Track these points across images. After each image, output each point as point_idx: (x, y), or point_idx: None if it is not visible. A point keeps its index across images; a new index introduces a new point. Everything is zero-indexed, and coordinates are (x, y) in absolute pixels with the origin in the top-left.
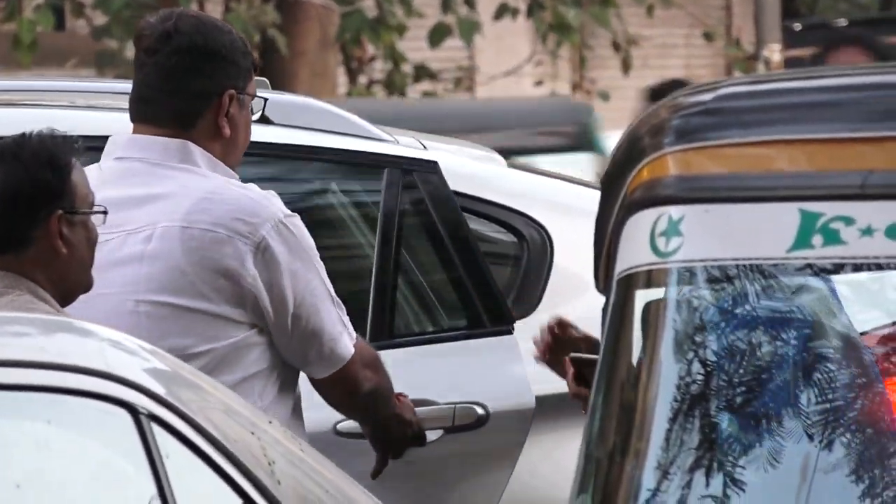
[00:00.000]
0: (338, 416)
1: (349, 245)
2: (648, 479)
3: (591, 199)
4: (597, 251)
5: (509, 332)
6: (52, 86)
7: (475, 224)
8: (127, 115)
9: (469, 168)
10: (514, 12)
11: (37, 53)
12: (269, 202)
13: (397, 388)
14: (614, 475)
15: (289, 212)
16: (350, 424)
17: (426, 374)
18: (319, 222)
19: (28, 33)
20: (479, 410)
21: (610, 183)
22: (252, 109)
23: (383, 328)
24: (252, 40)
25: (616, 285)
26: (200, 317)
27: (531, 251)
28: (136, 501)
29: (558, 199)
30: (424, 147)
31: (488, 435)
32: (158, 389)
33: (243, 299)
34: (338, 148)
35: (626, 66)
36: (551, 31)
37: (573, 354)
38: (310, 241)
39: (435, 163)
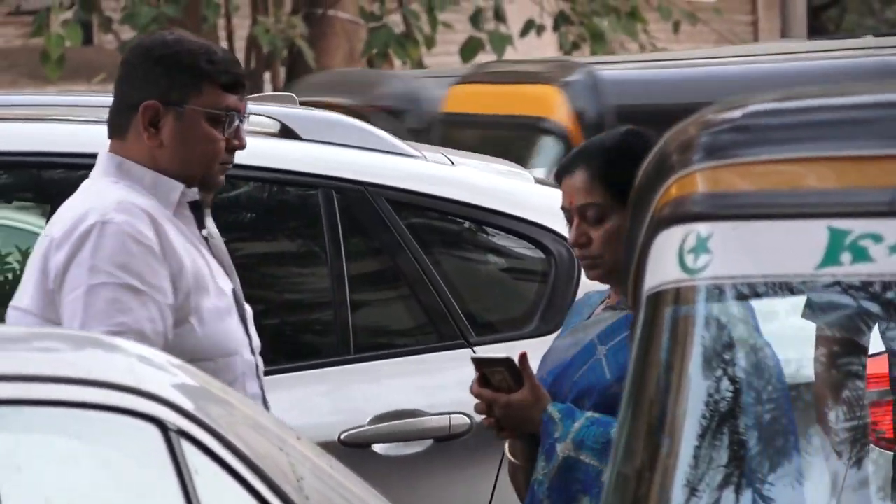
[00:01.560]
0: (343, 426)
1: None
2: (678, 495)
3: None
4: (626, 266)
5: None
6: (78, 101)
7: (503, 240)
8: None
9: (496, 184)
10: (540, 29)
11: (65, 68)
12: (95, 206)
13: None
14: (643, 492)
15: (106, 219)
16: (354, 434)
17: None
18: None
19: (56, 48)
20: (467, 420)
21: (639, 199)
22: (229, 123)
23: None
24: (279, 53)
25: (645, 302)
26: (40, 321)
27: (559, 267)
28: None
29: None
30: (452, 163)
31: (474, 443)
32: (187, 405)
33: (53, 301)
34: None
35: None
36: (584, 42)
37: (475, 356)
38: (108, 252)
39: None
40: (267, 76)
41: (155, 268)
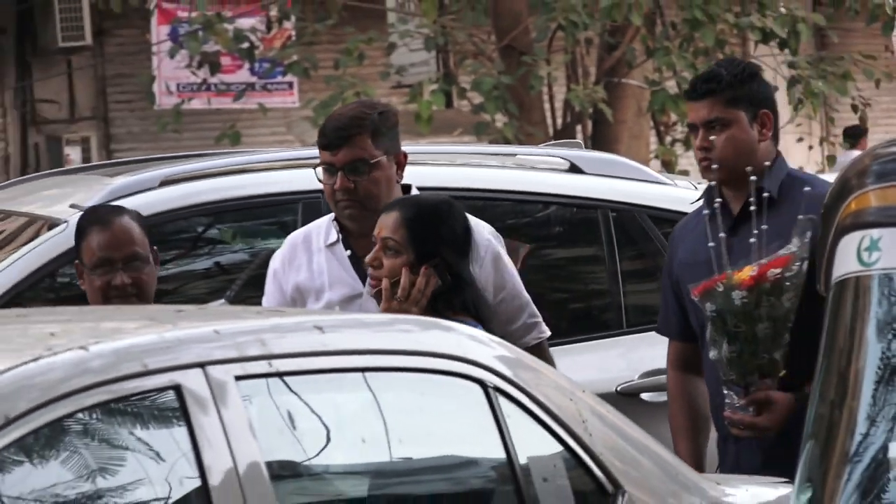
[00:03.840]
0: (619, 381)
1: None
2: (861, 425)
3: None
4: (818, 262)
5: None
6: (444, 150)
7: None
8: (492, 170)
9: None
10: (775, 88)
11: (432, 126)
12: None
13: None
14: (835, 424)
15: None
16: (628, 386)
17: None
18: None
19: (426, 111)
20: None
21: (827, 213)
22: (329, 172)
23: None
24: (587, 111)
25: (833, 288)
26: None
27: None
28: (485, 449)
29: None
30: (696, 188)
31: None
32: (502, 369)
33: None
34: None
35: (862, 124)
36: (806, 99)
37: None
38: None
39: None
40: (578, 128)
41: (269, 285)
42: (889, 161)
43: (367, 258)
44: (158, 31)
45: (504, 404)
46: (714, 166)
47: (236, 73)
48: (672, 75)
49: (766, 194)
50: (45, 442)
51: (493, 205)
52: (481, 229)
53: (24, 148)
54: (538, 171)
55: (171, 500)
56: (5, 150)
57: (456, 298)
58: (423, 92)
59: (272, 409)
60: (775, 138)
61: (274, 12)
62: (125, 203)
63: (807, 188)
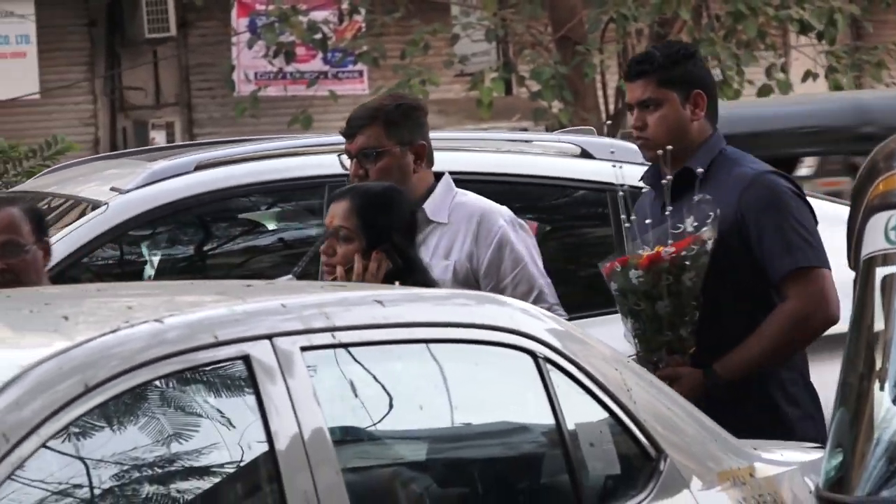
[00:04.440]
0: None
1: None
2: (889, 393)
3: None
4: (849, 241)
5: None
6: (461, 136)
7: None
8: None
9: None
10: (815, 76)
11: (492, 111)
12: None
13: None
14: (864, 392)
15: None
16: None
17: None
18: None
19: (487, 97)
20: None
21: (857, 194)
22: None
23: None
24: None
25: (862, 265)
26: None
27: None
28: (535, 416)
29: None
30: None
31: None
32: (553, 341)
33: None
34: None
35: None
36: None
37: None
38: None
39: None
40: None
41: None
42: None
43: (322, 247)
44: (238, 23)
45: (553, 374)
46: (660, 151)
47: (310, 62)
48: (717, 64)
49: (699, 170)
50: (123, 408)
51: (505, 188)
52: (495, 215)
53: (113, 132)
54: (549, 157)
55: (240, 464)
56: (96, 135)
57: (407, 280)
58: (484, 80)
59: (335, 378)
60: (713, 118)
61: (345, 5)
62: (163, 186)
63: (737, 168)
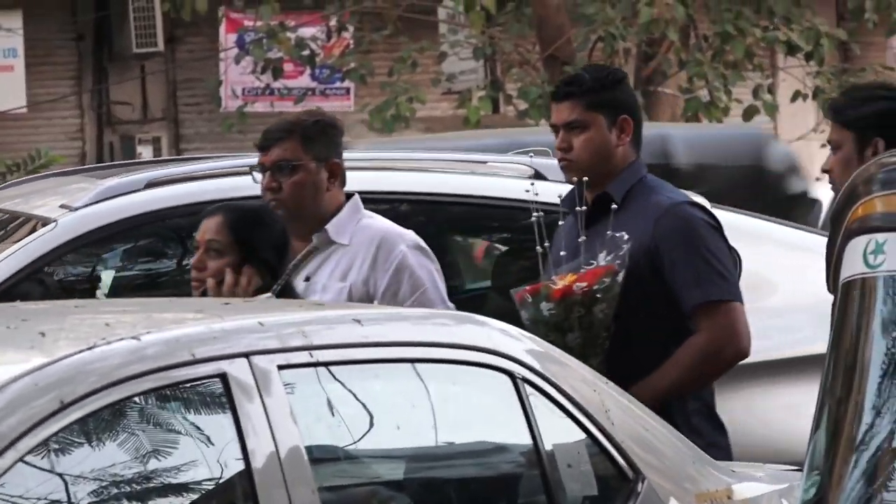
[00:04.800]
0: None
1: None
2: (867, 416)
3: (760, 228)
4: (827, 265)
5: None
6: (417, 156)
7: None
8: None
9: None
10: (804, 97)
11: (479, 129)
12: None
13: None
14: (840, 416)
15: None
16: None
17: None
18: None
19: (474, 115)
20: None
21: (836, 218)
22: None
23: None
24: None
25: (841, 288)
26: None
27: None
28: (513, 437)
29: (742, 227)
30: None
31: None
32: (531, 362)
33: None
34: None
35: None
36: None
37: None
38: None
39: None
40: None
41: None
42: (894, 170)
43: (192, 261)
44: (226, 39)
45: (531, 394)
46: (585, 178)
47: (298, 78)
48: (704, 84)
49: (613, 206)
50: (100, 425)
51: (446, 209)
52: (395, 239)
53: (100, 146)
54: (496, 178)
55: (216, 482)
56: (83, 149)
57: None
58: (471, 98)
59: (313, 397)
60: (636, 144)
61: (333, 22)
62: (113, 203)
63: (654, 196)
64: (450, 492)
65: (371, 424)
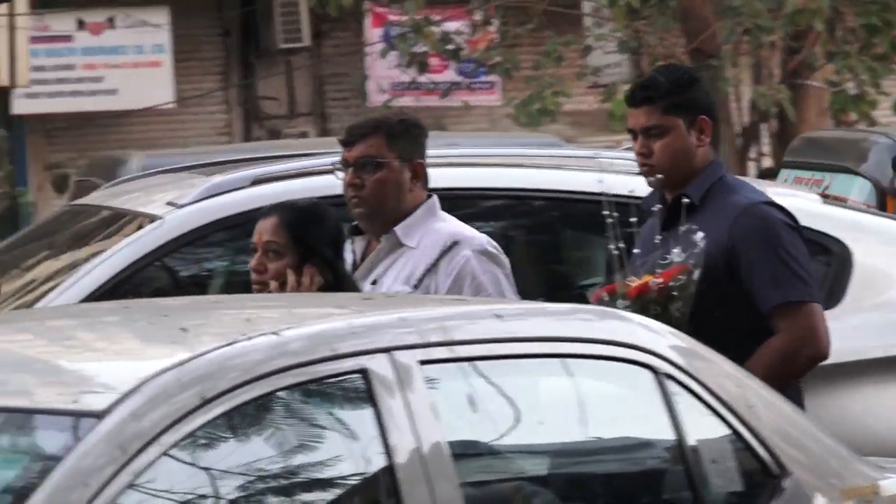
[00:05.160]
0: None
1: None
2: None
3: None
4: None
5: None
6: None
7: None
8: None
9: (806, 206)
10: None
11: (623, 124)
12: None
13: None
14: None
15: None
16: None
17: None
18: None
19: (619, 109)
20: None
21: None
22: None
23: None
24: (771, 111)
25: None
26: None
27: (838, 262)
28: (656, 432)
29: (854, 222)
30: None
31: None
32: (674, 357)
33: None
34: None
35: None
36: None
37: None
38: None
39: None
40: (763, 127)
41: None
42: None
43: (252, 264)
44: (371, 34)
45: (674, 390)
46: (658, 176)
47: (443, 72)
48: (852, 77)
49: (685, 200)
50: (242, 420)
51: (576, 206)
52: (461, 245)
53: (247, 141)
54: (613, 174)
55: (358, 478)
56: (230, 144)
57: None
58: (616, 91)
59: (454, 392)
60: (715, 143)
61: (478, 16)
62: (219, 200)
63: (733, 196)
64: (593, 487)
65: (512, 420)
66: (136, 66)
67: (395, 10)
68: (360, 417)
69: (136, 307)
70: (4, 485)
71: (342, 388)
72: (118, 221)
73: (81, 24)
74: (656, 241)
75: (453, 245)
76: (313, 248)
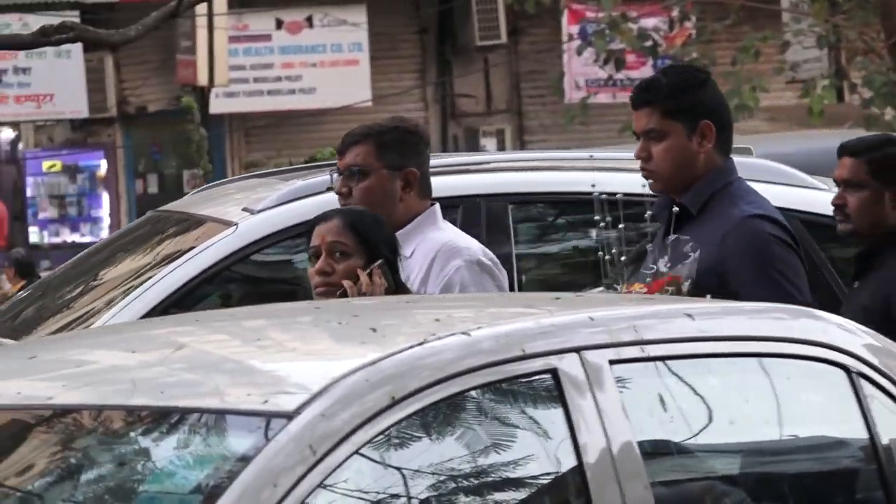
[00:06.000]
0: None
1: None
2: None
3: None
4: None
5: None
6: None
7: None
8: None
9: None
10: None
11: (823, 118)
12: None
13: None
14: None
15: None
16: None
17: None
18: None
19: (818, 105)
20: None
21: None
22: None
23: None
24: None
25: None
26: None
27: None
28: (846, 429)
29: None
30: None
31: None
32: (868, 357)
33: None
34: None
35: None
36: None
37: None
38: None
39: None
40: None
41: None
42: None
43: (316, 267)
44: (568, 30)
45: (868, 389)
46: (650, 181)
47: (640, 69)
48: None
49: (675, 209)
50: (433, 419)
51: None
52: (452, 254)
53: (443, 139)
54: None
55: (548, 477)
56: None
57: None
58: (815, 87)
59: (644, 392)
60: (724, 147)
61: (675, 12)
62: (294, 206)
63: (730, 207)
64: (784, 487)
65: (704, 419)
66: (333, 65)
67: (592, 6)
68: (550, 417)
69: (327, 307)
70: (195, 484)
71: (532, 387)
72: (196, 228)
73: (280, 24)
74: (648, 248)
75: (445, 253)
76: (378, 248)
